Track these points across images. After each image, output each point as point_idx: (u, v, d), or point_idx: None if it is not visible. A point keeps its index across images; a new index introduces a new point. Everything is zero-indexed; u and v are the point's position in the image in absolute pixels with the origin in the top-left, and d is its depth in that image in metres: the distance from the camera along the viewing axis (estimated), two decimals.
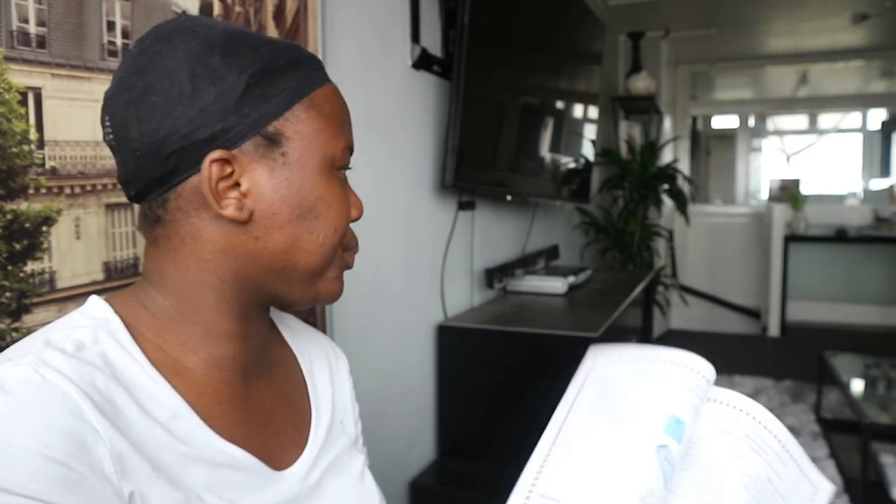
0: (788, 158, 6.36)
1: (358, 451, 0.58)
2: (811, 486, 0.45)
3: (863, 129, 6.00)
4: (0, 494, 0.32)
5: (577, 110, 2.39)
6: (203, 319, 0.45)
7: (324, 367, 0.59)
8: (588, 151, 2.53)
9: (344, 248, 0.49)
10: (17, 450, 0.33)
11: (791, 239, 4.27)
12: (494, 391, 1.52)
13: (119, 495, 0.36)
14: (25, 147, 0.63)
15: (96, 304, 0.44)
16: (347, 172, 0.50)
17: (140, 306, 0.45)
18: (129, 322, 0.44)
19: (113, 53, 0.72)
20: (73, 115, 0.68)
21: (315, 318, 1.08)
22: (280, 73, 0.44)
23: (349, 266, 0.51)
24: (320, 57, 1.07)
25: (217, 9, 0.86)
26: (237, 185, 0.43)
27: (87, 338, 0.40)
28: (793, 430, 2.53)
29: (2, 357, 0.39)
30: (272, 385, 0.51)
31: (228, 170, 0.42)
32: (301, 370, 0.57)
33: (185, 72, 0.41)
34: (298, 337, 0.59)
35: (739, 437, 0.45)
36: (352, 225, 0.49)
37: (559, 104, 2.20)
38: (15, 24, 0.62)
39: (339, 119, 0.47)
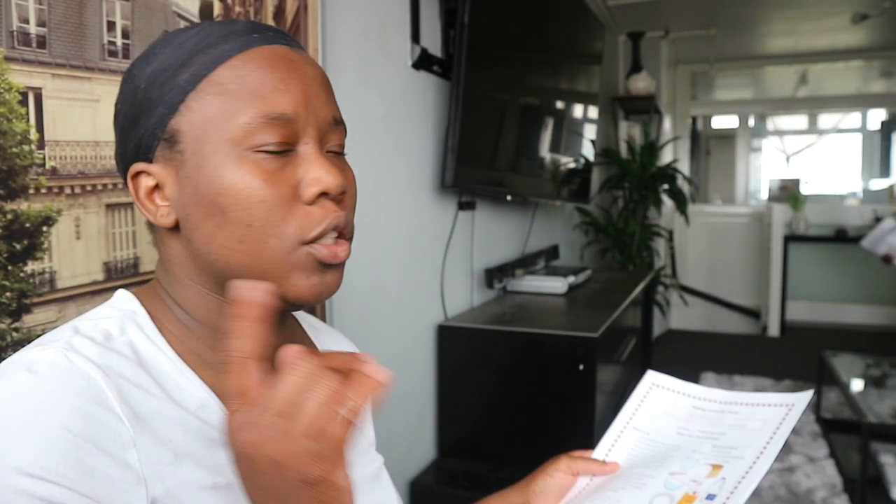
0: (788, 158, 6.37)
1: (375, 452, 0.58)
2: (781, 409, 0.50)
3: (862, 130, 6.00)
4: (15, 475, 0.32)
5: (577, 110, 2.39)
6: (203, 318, 0.45)
7: None
8: (588, 151, 2.53)
9: (310, 240, 0.42)
10: (38, 431, 0.33)
11: (791, 239, 4.27)
12: (494, 391, 1.52)
13: (139, 481, 0.36)
14: (26, 147, 0.63)
15: (123, 297, 0.45)
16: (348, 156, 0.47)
17: (161, 301, 0.46)
18: (155, 315, 0.45)
19: (113, 53, 0.72)
20: (74, 116, 0.68)
21: (315, 317, 1.08)
22: (177, 68, 0.41)
23: (333, 259, 0.42)
24: (320, 57, 1.07)
25: (217, 9, 0.86)
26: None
27: (114, 328, 0.41)
28: (792, 430, 2.53)
29: (33, 343, 0.39)
30: None
31: (151, 181, 0.43)
32: None
33: (127, 91, 0.44)
34: (321, 335, 0.60)
35: (677, 413, 0.55)
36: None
37: (559, 104, 2.20)
38: (15, 24, 0.62)
39: (247, 89, 0.40)
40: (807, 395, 0.50)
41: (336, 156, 0.45)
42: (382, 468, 0.57)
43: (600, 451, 0.57)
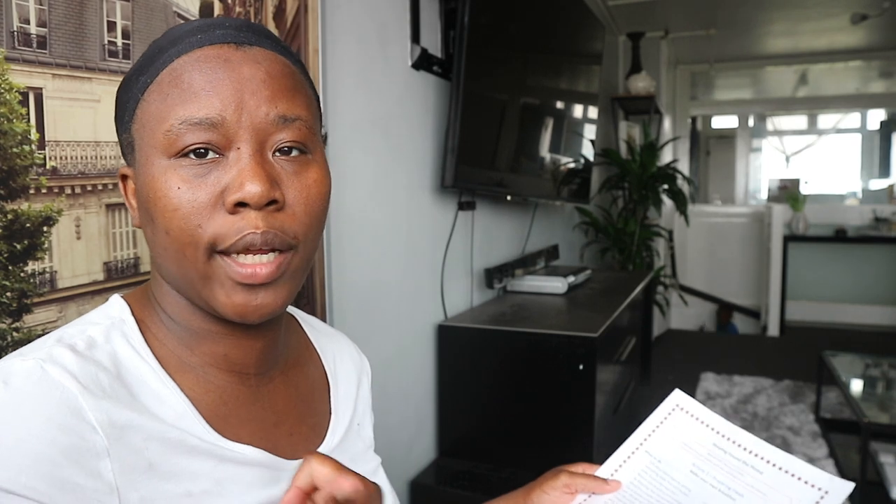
0: (788, 158, 6.37)
1: (373, 453, 0.58)
2: (812, 491, 0.45)
3: (862, 130, 6.01)
4: None
5: (577, 110, 2.39)
6: (178, 317, 0.45)
7: (349, 368, 0.59)
8: (588, 151, 2.53)
9: (223, 250, 0.40)
10: (8, 443, 0.34)
11: (790, 239, 4.27)
12: (494, 391, 1.52)
13: (111, 490, 0.36)
14: (26, 147, 0.63)
15: (115, 304, 0.46)
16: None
17: (148, 302, 0.46)
18: (142, 320, 0.45)
19: (113, 54, 0.72)
20: (74, 116, 0.68)
21: (315, 317, 1.08)
22: (138, 74, 0.42)
23: (251, 280, 0.40)
24: (320, 57, 1.07)
25: (217, 9, 0.86)
26: None
27: (99, 336, 0.41)
28: (792, 430, 2.53)
29: (17, 352, 0.40)
30: (287, 386, 0.51)
31: (131, 183, 0.45)
32: (324, 369, 0.56)
33: None
34: (322, 336, 0.59)
35: (695, 447, 0.50)
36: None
37: (559, 104, 2.20)
38: (16, 24, 0.62)
39: (174, 96, 0.40)
40: (846, 487, 0.44)
41: (288, 157, 0.42)
42: (379, 468, 0.57)
43: (607, 469, 0.54)
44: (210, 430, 0.42)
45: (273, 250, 0.41)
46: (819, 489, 0.44)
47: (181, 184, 0.39)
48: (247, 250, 0.40)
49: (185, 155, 0.39)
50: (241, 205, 0.39)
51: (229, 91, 0.40)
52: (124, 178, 0.46)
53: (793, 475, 0.46)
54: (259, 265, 0.40)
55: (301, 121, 0.42)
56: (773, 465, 0.47)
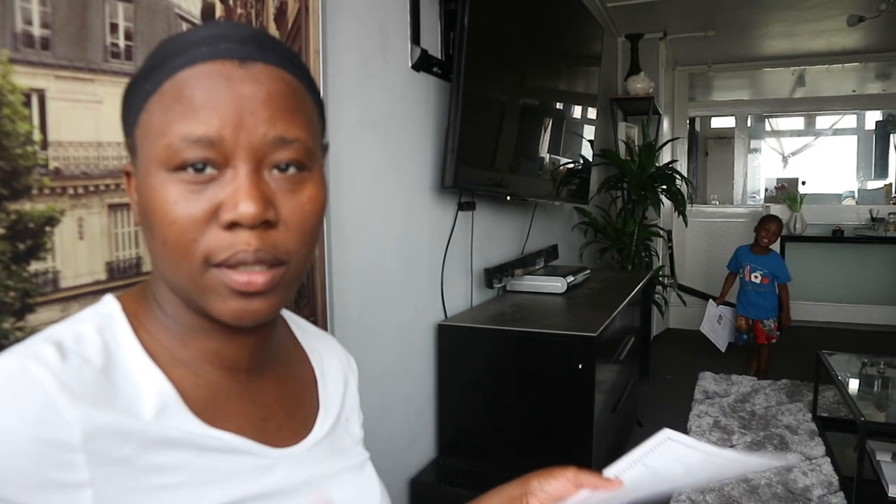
0: (785, 159, 6.39)
1: (361, 448, 0.59)
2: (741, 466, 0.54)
3: (858, 130, 6.03)
4: None
5: (576, 111, 2.40)
6: (173, 313, 0.46)
7: (336, 367, 0.60)
8: (587, 152, 2.53)
9: (218, 263, 0.41)
10: None
11: (788, 239, 4.29)
12: (494, 390, 1.53)
13: (84, 485, 0.37)
14: (29, 148, 0.63)
15: (106, 302, 0.46)
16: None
17: (145, 298, 0.47)
18: (135, 316, 0.45)
19: (116, 55, 0.72)
20: (77, 117, 0.68)
21: (316, 317, 1.09)
22: (144, 79, 0.42)
23: (247, 288, 0.41)
24: (320, 58, 1.07)
25: (219, 10, 0.87)
26: None
27: (87, 332, 0.42)
28: (789, 429, 2.54)
29: (10, 348, 0.40)
30: (276, 382, 0.52)
31: (134, 180, 0.45)
32: (312, 368, 0.57)
33: None
34: (309, 336, 0.60)
35: (688, 462, 0.56)
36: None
37: (558, 105, 2.21)
38: (19, 26, 0.62)
39: (176, 110, 0.40)
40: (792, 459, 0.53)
41: (284, 175, 0.42)
42: (367, 462, 0.58)
43: (608, 474, 0.57)
44: (193, 420, 0.43)
45: (263, 263, 0.41)
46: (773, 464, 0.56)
47: (178, 198, 0.40)
48: (239, 265, 0.41)
49: (184, 168, 0.40)
50: (234, 224, 0.40)
51: (229, 110, 0.40)
52: (128, 174, 0.46)
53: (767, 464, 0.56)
54: (253, 274, 0.41)
55: (299, 142, 0.42)
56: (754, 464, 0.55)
